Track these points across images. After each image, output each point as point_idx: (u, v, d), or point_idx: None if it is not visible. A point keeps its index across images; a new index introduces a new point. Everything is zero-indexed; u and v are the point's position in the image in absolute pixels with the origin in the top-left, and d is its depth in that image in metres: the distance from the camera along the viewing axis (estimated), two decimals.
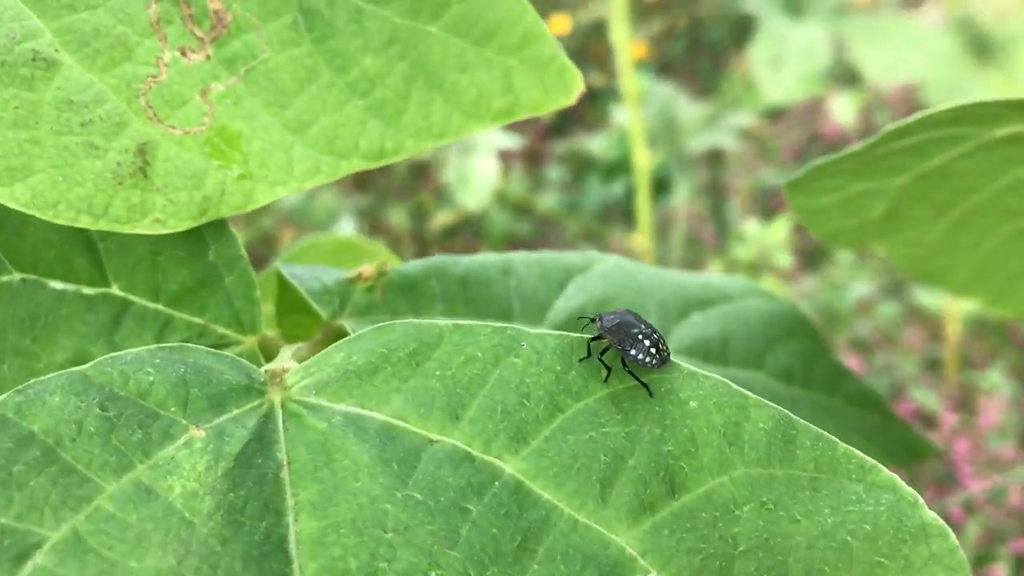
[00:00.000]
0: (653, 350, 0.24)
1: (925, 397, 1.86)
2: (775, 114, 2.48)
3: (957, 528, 1.60)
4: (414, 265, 0.36)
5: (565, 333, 0.24)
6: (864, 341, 2.02)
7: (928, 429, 1.81)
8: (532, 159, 2.32)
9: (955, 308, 1.86)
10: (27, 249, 0.31)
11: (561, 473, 0.22)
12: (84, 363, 0.31)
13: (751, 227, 2.13)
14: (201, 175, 0.28)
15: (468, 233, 2.04)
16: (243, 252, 0.32)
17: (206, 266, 0.32)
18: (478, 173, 1.56)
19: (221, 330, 0.32)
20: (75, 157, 0.27)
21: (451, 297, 0.36)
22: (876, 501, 0.22)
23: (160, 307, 0.32)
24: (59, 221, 0.27)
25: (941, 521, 0.21)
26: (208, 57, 0.29)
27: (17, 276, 0.31)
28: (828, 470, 0.22)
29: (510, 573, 0.21)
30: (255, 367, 0.25)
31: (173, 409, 0.23)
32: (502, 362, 0.24)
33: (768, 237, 2.08)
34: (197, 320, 0.32)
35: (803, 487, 0.22)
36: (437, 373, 0.24)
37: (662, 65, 2.69)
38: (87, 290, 0.32)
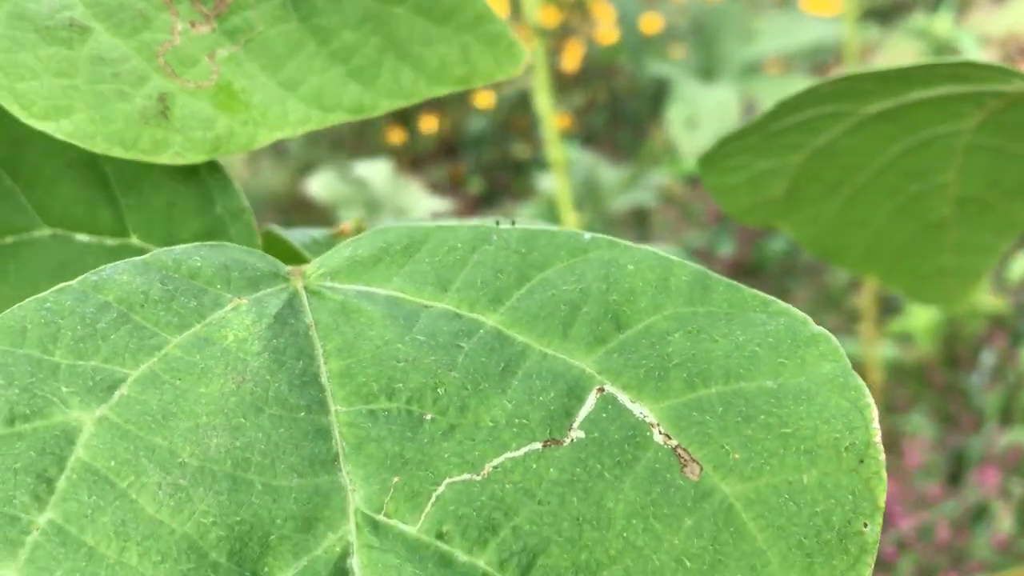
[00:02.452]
0: None
1: None
2: (695, 180, 2.59)
3: (890, 565, 1.66)
4: (390, 223, 0.42)
5: (528, 225, 0.31)
6: None
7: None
8: None
9: (875, 355, 1.95)
10: (56, 207, 0.36)
11: (531, 320, 0.28)
12: None
13: None
14: (212, 120, 0.34)
15: None
16: (246, 205, 0.38)
17: (214, 218, 0.38)
18: None
19: None
20: (108, 100, 0.33)
21: None
22: (776, 322, 0.28)
23: None
24: (97, 150, 0.33)
25: (827, 332, 0.28)
26: (213, 29, 0.35)
27: (48, 231, 0.37)
28: (738, 307, 0.29)
29: (498, 386, 0.27)
30: (279, 262, 0.30)
31: (219, 286, 0.28)
32: (478, 249, 0.30)
33: None
34: None
35: (719, 319, 0.28)
36: (427, 260, 0.30)
37: (585, 136, 2.81)
38: (109, 241, 0.37)
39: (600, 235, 0.30)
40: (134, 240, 0.37)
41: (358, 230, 0.41)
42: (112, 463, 0.24)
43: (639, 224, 2.32)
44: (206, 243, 0.30)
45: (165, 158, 0.33)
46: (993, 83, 0.42)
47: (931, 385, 2.03)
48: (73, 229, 0.37)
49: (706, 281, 0.29)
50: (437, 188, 2.58)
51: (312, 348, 0.28)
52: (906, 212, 0.52)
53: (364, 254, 0.30)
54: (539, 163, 2.52)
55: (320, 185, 1.75)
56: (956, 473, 1.83)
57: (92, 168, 0.36)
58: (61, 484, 0.24)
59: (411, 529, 0.25)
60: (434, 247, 0.30)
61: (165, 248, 0.29)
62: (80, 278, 0.27)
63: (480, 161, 2.72)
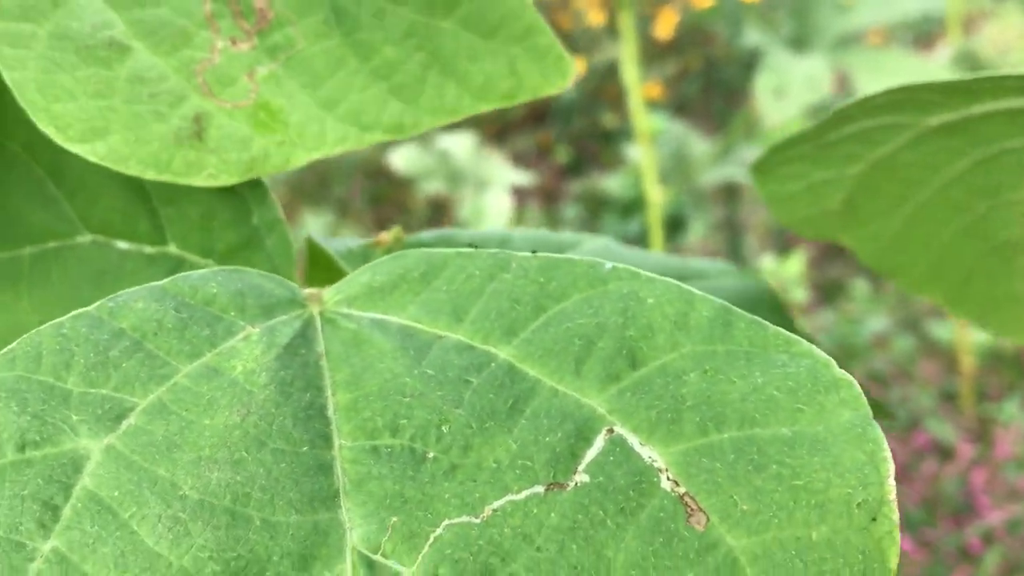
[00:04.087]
0: None
1: (942, 429, 1.88)
2: None
3: (976, 559, 1.61)
4: (425, 235, 0.42)
5: (548, 254, 0.30)
6: (881, 374, 2.04)
7: (945, 461, 1.83)
8: (548, 197, 2.38)
9: (968, 341, 1.88)
10: (98, 214, 0.37)
11: (544, 355, 0.28)
12: None
13: (767, 262, 2.16)
14: (248, 141, 0.34)
15: None
16: (282, 217, 0.38)
17: (250, 229, 0.38)
18: (492, 208, 1.62)
19: None
20: (144, 122, 0.33)
21: None
22: (797, 365, 0.27)
23: (210, 263, 0.38)
24: (130, 172, 0.33)
25: (849, 375, 0.26)
26: (253, 47, 0.35)
27: (89, 237, 0.37)
28: (760, 345, 0.28)
29: (504, 425, 0.26)
30: (297, 287, 0.31)
31: (233, 313, 0.28)
32: (496, 277, 0.30)
33: (784, 272, 2.11)
34: None
35: (739, 358, 0.27)
36: (444, 288, 0.30)
37: (678, 106, 2.76)
38: (148, 249, 0.37)
39: (621, 266, 0.30)
40: (172, 249, 0.38)
41: (396, 240, 0.41)
42: (116, 493, 0.25)
43: (729, 199, 2.28)
44: (226, 268, 0.30)
45: (198, 180, 0.34)
46: None
47: None
48: (113, 236, 0.37)
49: (728, 318, 0.28)
50: (524, 157, 2.58)
51: (321, 379, 0.28)
52: (973, 232, 0.48)
53: (382, 280, 0.30)
54: (628, 133, 2.49)
55: (402, 159, 1.76)
56: None
57: (132, 179, 0.36)
58: (66, 512, 0.25)
59: (406, 571, 0.25)
60: (452, 274, 0.30)
61: (182, 274, 0.29)
62: (98, 304, 0.27)
63: (568, 130, 2.70)
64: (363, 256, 0.40)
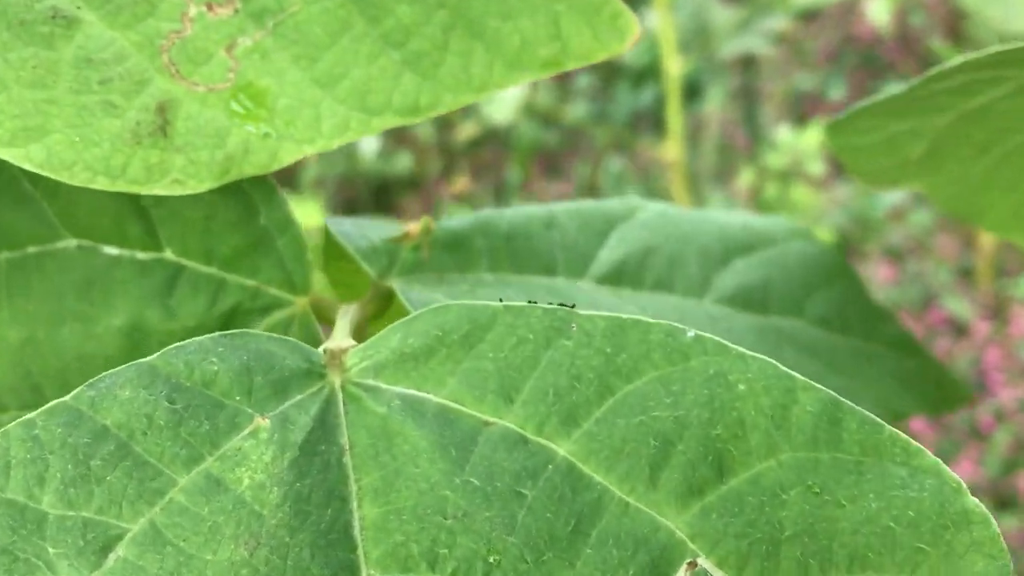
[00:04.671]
0: None
1: (958, 305, 1.85)
2: (809, 16, 2.42)
3: (986, 436, 1.61)
4: (459, 221, 0.37)
5: (615, 314, 0.25)
6: (896, 249, 2.00)
7: (959, 337, 1.81)
8: None
9: None
10: (82, 216, 0.32)
11: (612, 456, 0.23)
12: (141, 327, 0.32)
13: (784, 133, 2.09)
14: (223, 134, 0.28)
15: (495, 145, 2.02)
16: (294, 216, 0.33)
17: (257, 230, 0.33)
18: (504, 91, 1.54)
19: (274, 291, 0.33)
20: (93, 116, 0.27)
21: (496, 252, 0.36)
22: (920, 486, 0.22)
23: (213, 270, 0.33)
24: (75, 182, 0.27)
25: (983, 508, 0.22)
26: (236, 11, 0.28)
27: (73, 242, 0.32)
28: (873, 453, 0.23)
29: (565, 557, 0.22)
30: (315, 350, 0.26)
31: (238, 398, 0.24)
32: (553, 343, 0.25)
33: (801, 143, 2.04)
34: (250, 282, 0.33)
35: (848, 471, 0.23)
36: (490, 355, 0.25)
37: None
38: (140, 255, 0.32)
39: (707, 336, 0.24)
40: (168, 255, 0.32)
41: (425, 232, 0.36)
42: None
43: (746, 69, 2.19)
44: (229, 334, 0.25)
45: (160, 188, 0.28)
46: None
47: None
48: (100, 241, 0.32)
49: (836, 413, 0.23)
50: None
51: (345, 486, 0.23)
52: None
53: (416, 344, 0.25)
54: None
55: None
56: None
57: None
58: None
59: None
60: (499, 338, 0.25)
61: (177, 346, 0.24)
62: (76, 392, 0.23)
63: None
64: (387, 255, 0.35)
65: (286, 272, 0.33)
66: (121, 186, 0.27)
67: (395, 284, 0.34)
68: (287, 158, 0.29)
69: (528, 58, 0.31)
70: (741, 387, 0.24)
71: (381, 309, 0.35)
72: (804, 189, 1.92)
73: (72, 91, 0.27)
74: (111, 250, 0.32)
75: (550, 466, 0.23)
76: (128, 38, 0.28)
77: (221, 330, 0.33)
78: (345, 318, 0.29)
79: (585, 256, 0.38)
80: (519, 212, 0.38)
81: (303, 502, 0.22)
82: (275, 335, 0.25)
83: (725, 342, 0.24)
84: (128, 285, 0.32)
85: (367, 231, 0.36)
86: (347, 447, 0.24)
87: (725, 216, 0.44)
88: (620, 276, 0.38)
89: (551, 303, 0.25)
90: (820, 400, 0.23)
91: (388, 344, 0.25)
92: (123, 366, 0.23)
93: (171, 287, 0.32)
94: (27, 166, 0.27)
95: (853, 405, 0.23)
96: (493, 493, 0.23)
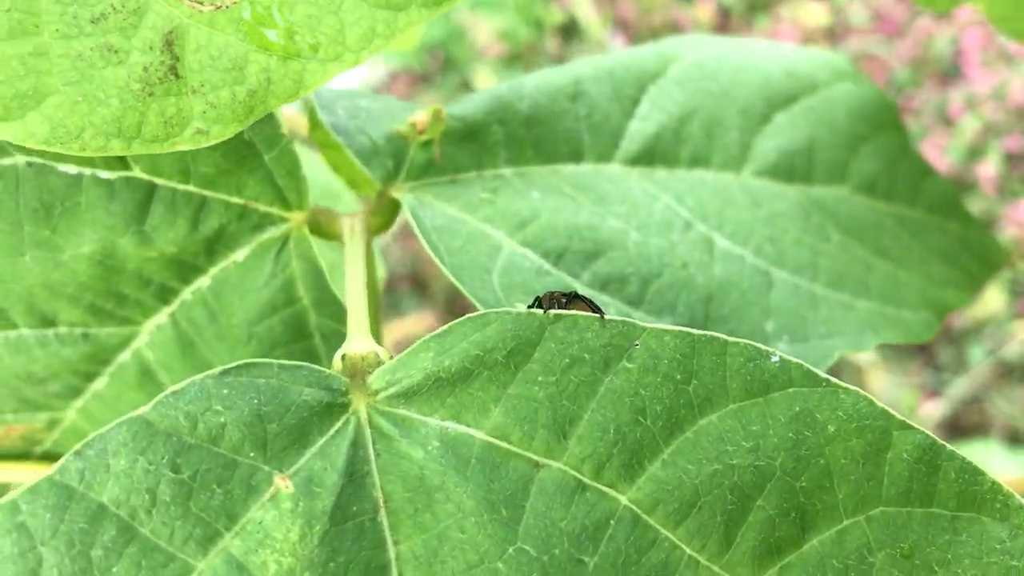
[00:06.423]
0: None
1: None
2: None
3: (953, 122, 1.61)
4: (472, 106, 0.31)
5: (686, 329, 0.21)
6: None
7: (940, 19, 1.75)
8: None
9: None
10: None
11: (682, 509, 0.21)
12: (115, 254, 0.28)
13: None
14: (241, 63, 0.23)
15: None
16: (284, 128, 0.28)
17: (241, 145, 0.28)
18: None
19: (263, 208, 0.29)
20: (92, 67, 0.22)
21: (517, 141, 0.31)
22: (1021, 551, 0.20)
23: (191, 188, 0.28)
24: (87, 153, 0.22)
25: None
26: None
27: (22, 159, 0.27)
28: (970, 505, 0.21)
29: None
30: (334, 373, 0.22)
31: (252, 454, 0.20)
32: (613, 367, 0.21)
33: None
34: (236, 200, 0.28)
35: (943, 529, 0.20)
36: (540, 379, 0.21)
37: None
38: (104, 174, 0.27)
39: (791, 361, 0.21)
40: (137, 173, 0.27)
41: (436, 121, 0.31)
42: None
43: None
44: (231, 370, 0.21)
45: (183, 143, 0.23)
46: None
47: None
48: (53, 159, 0.27)
49: (934, 459, 0.21)
50: None
51: (383, 551, 0.20)
52: None
53: (452, 366, 0.21)
54: None
55: None
56: None
57: None
58: None
59: None
60: (550, 358, 0.21)
61: (172, 392, 0.20)
62: (60, 464, 0.19)
63: None
64: (392, 152, 0.30)
65: (277, 188, 0.28)
66: (138, 148, 0.22)
67: (404, 198, 0.29)
68: (314, 82, 0.24)
69: None
70: (831, 428, 0.21)
71: (388, 220, 0.30)
72: None
73: (61, 36, 0.21)
74: (68, 168, 0.27)
75: (612, 521, 0.21)
76: None
77: (206, 255, 0.29)
78: (362, 324, 0.24)
79: (615, 131, 0.33)
80: (541, 84, 0.32)
81: None
82: (285, 363, 0.21)
83: (814, 370, 0.21)
84: (95, 210, 0.28)
85: (366, 124, 0.30)
86: (381, 502, 0.21)
87: (767, 56, 0.38)
88: (653, 154, 0.33)
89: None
90: (918, 445, 0.21)
91: (419, 364, 0.22)
92: (112, 424, 0.19)
93: (145, 210, 0.28)
94: (31, 144, 0.22)
95: (952, 449, 0.21)
96: (551, 563, 0.20)
